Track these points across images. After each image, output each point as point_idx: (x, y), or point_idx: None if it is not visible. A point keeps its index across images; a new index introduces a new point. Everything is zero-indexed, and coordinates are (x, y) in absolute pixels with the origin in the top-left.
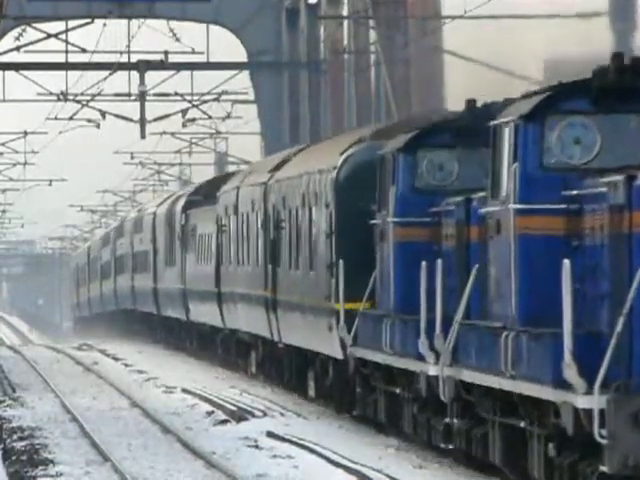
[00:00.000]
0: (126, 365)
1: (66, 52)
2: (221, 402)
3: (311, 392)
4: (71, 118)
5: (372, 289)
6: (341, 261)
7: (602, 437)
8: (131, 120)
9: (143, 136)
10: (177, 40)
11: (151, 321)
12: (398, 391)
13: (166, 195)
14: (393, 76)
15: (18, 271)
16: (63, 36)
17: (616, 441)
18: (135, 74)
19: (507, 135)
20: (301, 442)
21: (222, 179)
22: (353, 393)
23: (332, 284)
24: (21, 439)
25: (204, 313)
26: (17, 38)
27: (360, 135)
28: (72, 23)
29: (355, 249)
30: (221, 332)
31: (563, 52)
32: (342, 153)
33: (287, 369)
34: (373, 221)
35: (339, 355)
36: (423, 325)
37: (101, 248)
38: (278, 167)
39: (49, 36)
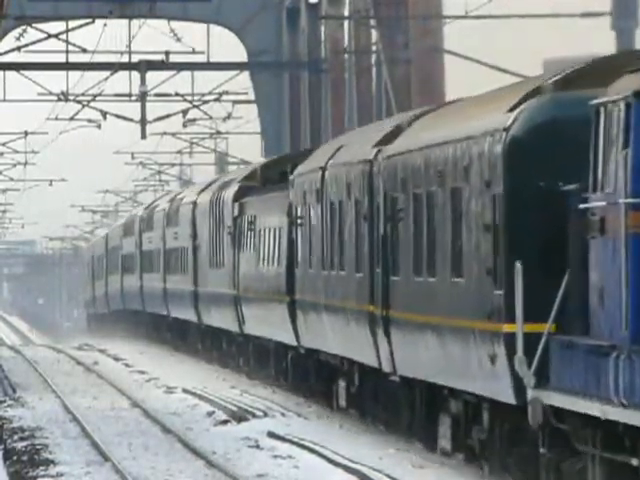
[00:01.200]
0: (127, 365)
1: (67, 52)
2: (222, 402)
3: (445, 444)
4: (72, 118)
5: (561, 304)
6: (519, 264)
7: None
8: (132, 120)
9: (144, 136)
10: (178, 40)
11: (187, 330)
12: (635, 463)
13: (208, 181)
14: (394, 76)
15: (18, 271)
16: (64, 36)
17: None
18: (136, 74)
19: (616, 116)
20: (301, 442)
21: (288, 159)
22: (535, 457)
23: (496, 297)
24: (22, 439)
25: (266, 326)
26: (18, 38)
27: (538, 83)
28: (73, 23)
29: (534, 247)
30: (292, 350)
31: (564, 51)
32: (511, 110)
33: (406, 411)
34: (584, 205)
35: (509, 399)
36: None
37: (122, 238)
38: (387, 139)
39: (50, 36)
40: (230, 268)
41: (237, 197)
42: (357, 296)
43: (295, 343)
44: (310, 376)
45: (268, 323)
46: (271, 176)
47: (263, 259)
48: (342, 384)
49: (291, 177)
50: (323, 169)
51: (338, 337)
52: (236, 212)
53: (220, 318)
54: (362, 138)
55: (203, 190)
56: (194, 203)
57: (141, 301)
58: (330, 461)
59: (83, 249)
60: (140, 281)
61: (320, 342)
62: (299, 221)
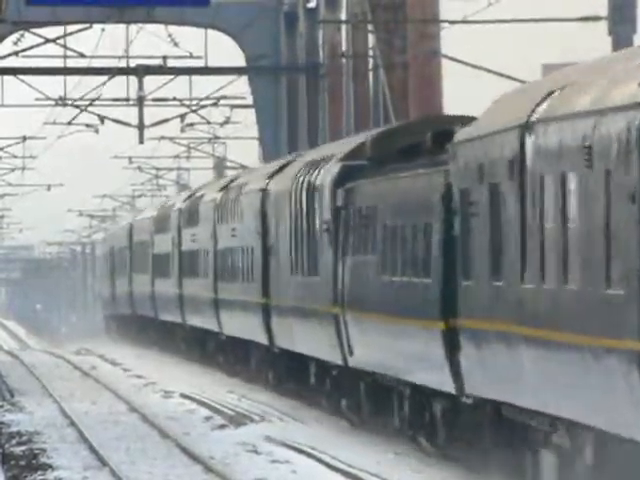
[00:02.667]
0: (124, 370)
1: (64, 57)
2: (219, 407)
3: None
4: (69, 123)
5: None
6: None
7: None
8: (129, 125)
9: (141, 141)
10: (175, 45)
11: (249, 354)
12: None
13: (273, 163)
14: (391, 80)
15: (16, 276)
16: (62, 41)
17: None
18: (133, 79)
19: None
20: (299, 447)
21: (410, 128)
22: None
23: None
24: (20, 444)
25: (400, 362)
26: (15, 43)
27: None
28: (71, 28)
29: None
30: (444, 399)
31: (561, 56)
32: None
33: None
34: None
35: None
36: None
37: (153, 233)
38: None
39: (47, 41)
40: (329, 278)
41: (341, 180)
42: (615, 325)
43: (452, 389)
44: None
45: (407, 359)
46: (386, 151)
47: (391, 267)
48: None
49: (449, 146)
50: (525, 127)
51: (574, 392)
52: (341, 201)
53: (311, 343)
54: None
55: (275, 174)
56: (264, 191)
57: (180, 312)
58: (328, 466)
59: (99, 240)
60: (179, 288)
61: (527, 395)
62: (471, 209)
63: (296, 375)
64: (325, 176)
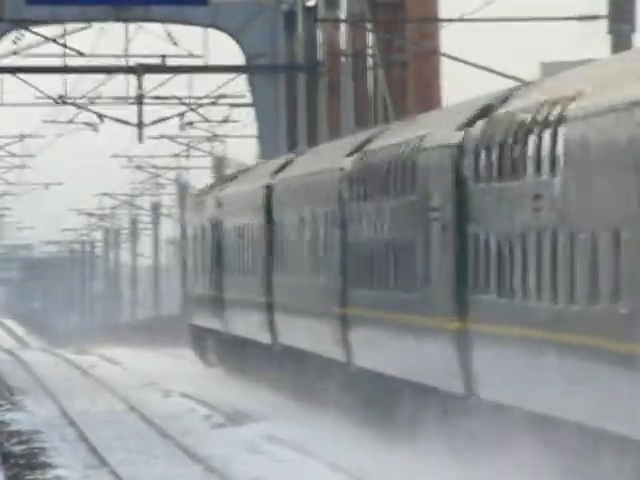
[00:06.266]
0: (124, 369)
1: (64, 56)
2: (220, 406)
3: None
4: (69, 122)
5: None
6: None
7: None
8: (129, 124)
9: (141, 140)
10: (175, 44)
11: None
12: None
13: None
14: (390, 79)
15: (15, 275)
16: (61, 40)
17: None
18: (133, 78)
19: None
20: (300, 446)
21: None
22: None
23: None
24: (19, 443)
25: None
26: (15, 42)
27: None
28: (70, 27)
29: None
30: None
31: (560, 54)
32: None
33: None
34: None
35: None
36: None
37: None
38: None
39: (47, 40)
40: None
41: None
42: None
43: None
44: None
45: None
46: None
47: None
48: None
49: None
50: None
51: None
52: None
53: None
54: None
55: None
56: (456, 148)
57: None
58: (329, 464)
59: (183, 213)
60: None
61: None
62: None
63: None
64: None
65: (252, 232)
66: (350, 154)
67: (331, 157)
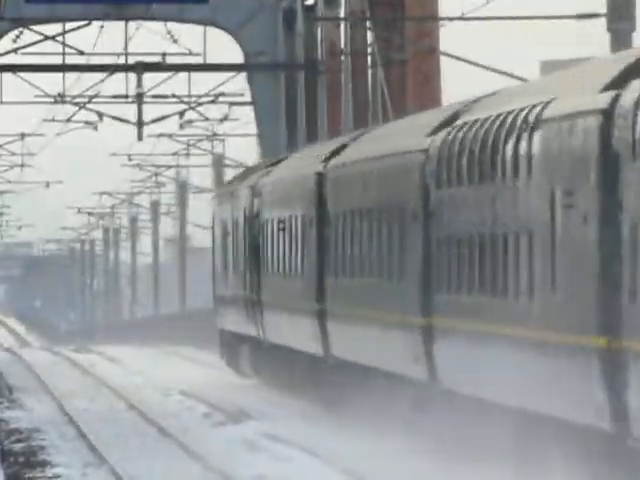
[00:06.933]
0: (124, 367)
1: (63, 54)
2: (219, 403)
3: None
4: (68, 120)
5: None
6: None
7: None
8: (128, 122)
9: (140, 138)
10: (174, 42)
11: None
12: None
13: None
14: (390, 77)
15: (15, 273)
16: (60, 38)
17: None
18: (132, 76)
19: None
20: (299, 443)
21: None
22: None
23: None
24: (19, 441)
25: None
26: (14, 40)
27: None
28: (69, 25)
29: None
30: None
31: (559, 53)
32: None
33: None
34: None
35: None
36: None
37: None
38: None
39: (46, 38)
40: None
41: None
42: None
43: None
44: None
45: None
46: None
47: None
48: None
49: None
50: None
51: None
52: None
53: None
54: None
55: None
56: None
57: None
58: (328, 462)
59: (215, 202)
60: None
61: None
62: None
63: None
64: None
65: (299, 226)
66: (433, 132)
67: (405, 138)
